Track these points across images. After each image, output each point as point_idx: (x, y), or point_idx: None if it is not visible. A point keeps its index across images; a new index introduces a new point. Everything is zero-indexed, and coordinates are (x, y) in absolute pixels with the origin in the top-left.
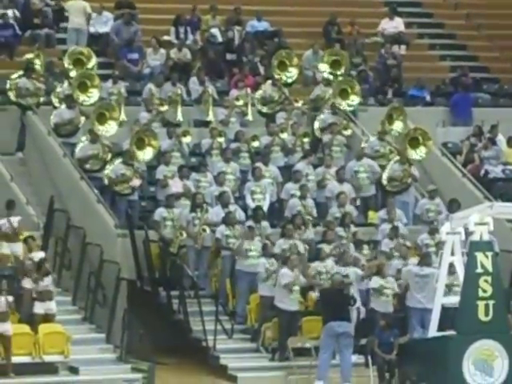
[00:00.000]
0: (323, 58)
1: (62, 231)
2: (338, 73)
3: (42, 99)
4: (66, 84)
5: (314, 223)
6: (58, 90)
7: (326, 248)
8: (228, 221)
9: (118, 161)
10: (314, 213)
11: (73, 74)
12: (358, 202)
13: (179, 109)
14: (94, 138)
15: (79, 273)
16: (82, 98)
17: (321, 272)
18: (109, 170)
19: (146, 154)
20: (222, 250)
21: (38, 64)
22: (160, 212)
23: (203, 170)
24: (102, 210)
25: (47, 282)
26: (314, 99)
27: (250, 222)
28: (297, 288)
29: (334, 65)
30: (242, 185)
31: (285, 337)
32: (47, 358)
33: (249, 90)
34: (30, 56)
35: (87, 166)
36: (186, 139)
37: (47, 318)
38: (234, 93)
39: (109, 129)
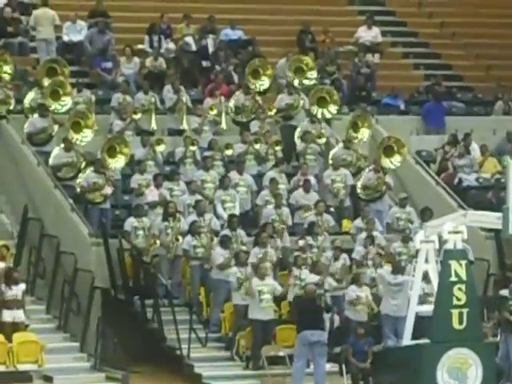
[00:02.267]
0: (288, 64)
1: (36, 240)
2: (303, 80)
3: (12, 107)
4: (33, 92)
5: (290, 231)
6: (28, 98)
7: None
8: (193, 230)
9: (90, 169)
10: (289, 221)
11: (46, 82)
12: (332, 210)
13: (153, 117)
14: (69, 146)
15: (53, 281)
16: (54, 106)
17: (298, 277)
18: (81, 179)
19: (118, 162)
20: (190, 260)
21: (7, 72)
22: (130, 222)
23: (176, 178)
24: (76, 218)
25: (16, 290)
26: (284, 108)
27: (226, 231)
28: (267, 297)
29: (298, 71)
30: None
31: (258, 345)
32: (21, 367)
33: (223, 99)
34: None
35: (61, 174)
36: (160, 148)
37: (16, 326)
38: (208, 101)
39: (84, 137)
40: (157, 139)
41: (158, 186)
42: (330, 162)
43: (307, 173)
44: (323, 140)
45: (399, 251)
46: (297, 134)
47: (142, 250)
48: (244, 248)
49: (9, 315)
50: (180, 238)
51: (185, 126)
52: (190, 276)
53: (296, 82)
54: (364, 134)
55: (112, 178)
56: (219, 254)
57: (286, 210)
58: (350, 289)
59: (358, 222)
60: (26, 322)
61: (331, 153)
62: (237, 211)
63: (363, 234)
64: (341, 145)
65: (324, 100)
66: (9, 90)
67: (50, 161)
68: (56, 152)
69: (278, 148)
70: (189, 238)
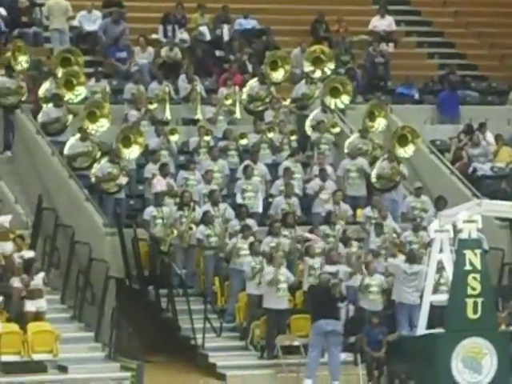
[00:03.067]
0: (305, 55)
1: (51, 230)
2: (322, 70)
3: (24, 98)
4: (48, 82)
5: (306, 221)
6: (42, 88)
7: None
8: (206, 220)
9: (105, 159)
10: (298, 212)
11: (60, 72)
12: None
13: (167, 107)
14: (84, 135)
15: (68, 271)
16: (68, 96)
17: (312, 267)
18: (96, 169)
19: (133, 152)
20: (203, 250)
21: (20, 62)
22: (150, 211)
23: (192, 167)
24: (90, 208)
25: (37, 280)
26: (300, 98)
27: (235, 222)
28: (283, 286)
29: (316, 62)
30: (231, 183)
31: (273, 335)
32: (36, 357)
33: (237, 88)
34: (8, 54)
35: (76, 164)
36: (174, 137)
37: (38, 315)
38: (222, 91)
39: (100, 126)
40: (171, 129)
41: (165, 176)
42: (346, 151)
43: (324, 162)
44: (337, 129)
45: (410, 240)
46: (308, 123)
47: (160, 240)
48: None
49: (32, 305)
50: (194, 226)
51: (199, 115)
52: (204, 265)
53: (318, 73)
54: (380, 123)
55: (126, 168)
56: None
57: (295, 200)
58: (357, 278)
59: (368, 210)
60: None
61: (347, 142)
62: (260, 201)
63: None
64: (357, 134)
65: (337, 90)
66: (21, 80)
67: (66, 150)
68: (71, 142)
69: (293, 138)
70: (202, 227)
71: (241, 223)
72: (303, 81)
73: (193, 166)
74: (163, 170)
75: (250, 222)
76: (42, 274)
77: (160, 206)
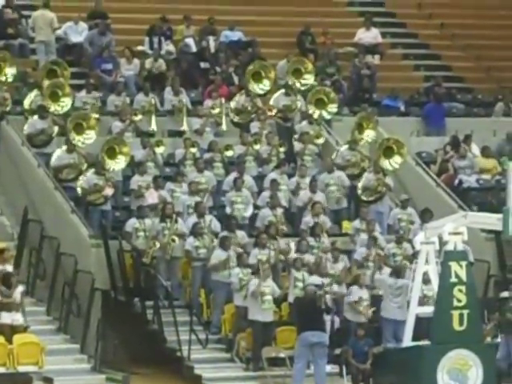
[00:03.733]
0: (287, 68)
1: (36, 241)
2: (302, 82)
3: (8, 109)
4: (33, 94)
5: (294, 233)
6: (27, 100)
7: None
8: (196, 231)
9: (91, 171)
10: (284, 224)
11: (46, 84)
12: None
13: (153, 119)
14: (71, 147)
15: (53, 283)
16: (53, 107)
17: (297, 279)
18: (82, 181)
19: (118, 163)
20: (192, 261)
21: (8, 74)
22: (132, 223)
23: (179, 180)
24: (76, 220)
25: (15, 294)
26: (282, 109)
27: (225, 233)
28: (268, 298)
29: (296, 73)
30: (217, 195)
31: (259, 347)
32: (21, 369)
33: (223, 100)
34: None
35: (62, 176)
36: (159, 149)
37: (15, 329)
38: (207, 103)
39: (87, 138)
40: (156, 141)
41: (157, 188)
42: (337, 162)
43: (305, 174)
44: (321, 140)
45: (393, 252)
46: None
47: (142, 252)
48: (240, 250)
49: (8, 317)
50: (176, 239)
51: (185, 127)
52: (192, 277)
53: (297, 85)
54: (369, 135)
55: (112, 180)
56: (218, 256)
57: (280, 211)
58: (352, 290)
59: (357, 223)
60: (25, 324)
61: (334, 154)
62: (249, 211)
63: (364, 236)
64: (345, 146)
65: (322, 101)
66: (4, 91)
67: (52, 162)
68: (58, 153)
69: (281, 149)
70: (191, 239)
71: (231, 235)
72: (280, 91)
73: (180, 178)
74: (156, 183)
75: (240, 233)
76: (20, 288)
77: (142, 218)
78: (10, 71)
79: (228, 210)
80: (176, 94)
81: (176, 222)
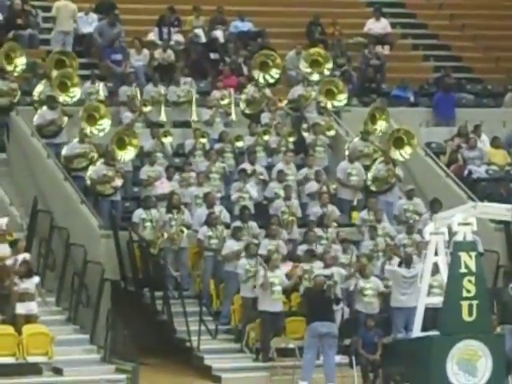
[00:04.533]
0: (303, 57)
1: (46, 232)
2: (320, 72)
3: (16, 99)
4: (42, 84)
5: (299, 224)
6: (37, 90)
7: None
8: (210, 221)
9: (100, 161)
10: (299, 213)
11: (54, 74)
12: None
13: (163, 109)
14: (82, 137)
15: (63, 273)
16: (62, 98)
17: (307, 271)
18: (91, 171)
19: (128, 154)
20: (204, 251)
21: (13, 64)
22: (139, 213)
23: (188, 170)
24: (85, 210)
25: (28, 283)
26: (296, 99)
27: (238, 223)
28: (278, 288)
29: (314, 64)
30: (227, 185)
31: (268, 337)
32: (31, 359)
33: (232, 91)
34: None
35: (73, 165)
36: (167, 140)
37: (29, 318)
38: (215, 93)
39: (101, 129)
40: (164, 131)
41: (169, 178)
42: (347, 153)
43: (313, 165)
44: (332, 132)
45: (404, 243)
46: (304, 125)
47: (150, 242)
48: (255, 241)
49: (22, 307)
50: (185, 229)
51: (195, 117)
52: (203, 267)
53: (315, 77)
54: (382, 125)
55: (122, 170)
56: (230, 246)
57: (295, 202)
58: (353, 281)
59: (364, 213)
60: (38, 314)
61: (348, 145)
62: (254, 192)
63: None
64: (357, 138)
65: (332, 92)
66: (11, 82)
67: (63, 151)
68: (71, 143)
69: (291, 139)
70: (204, 228)
71: (243, 225)
72: (301, 84)
73: (189, 167)
74: (168, 173)
75: (253, 224)
76: (36, 279)
77: (149, 209)
78: (20, 62)
79: (233, 197)
80: (185, 85)
81: (183, 213)
